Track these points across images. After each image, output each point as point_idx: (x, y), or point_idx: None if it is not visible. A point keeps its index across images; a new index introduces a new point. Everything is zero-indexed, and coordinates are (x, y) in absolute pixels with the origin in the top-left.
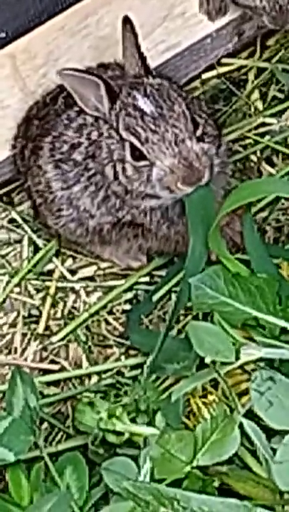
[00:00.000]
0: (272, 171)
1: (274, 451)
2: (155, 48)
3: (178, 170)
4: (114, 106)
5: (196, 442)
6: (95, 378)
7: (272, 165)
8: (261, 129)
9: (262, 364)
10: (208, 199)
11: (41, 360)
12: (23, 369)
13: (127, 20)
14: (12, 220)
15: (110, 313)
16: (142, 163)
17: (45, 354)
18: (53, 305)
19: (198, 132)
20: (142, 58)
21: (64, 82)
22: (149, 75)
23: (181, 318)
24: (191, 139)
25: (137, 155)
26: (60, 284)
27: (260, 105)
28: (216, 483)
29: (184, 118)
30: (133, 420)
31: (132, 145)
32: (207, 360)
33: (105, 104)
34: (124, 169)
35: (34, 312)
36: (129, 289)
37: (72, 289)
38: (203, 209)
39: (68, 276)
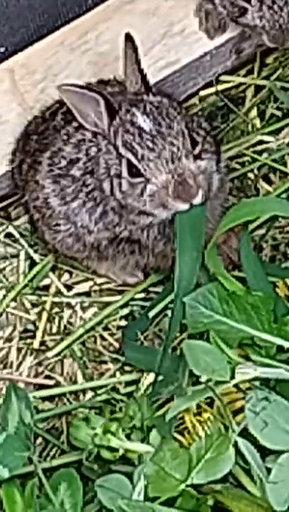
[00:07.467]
0: (270, 188)
1: (268, 470)
2: (154, 64)
3: (170, 185)
4: (113, 122)
5: (190, 460)
6: (90, 394)
7: (270, 183)
8: (259, 147)
9: (257, 383)
10: (199, 217)
11: (36, 375)
12: (18, 384)
13: (128, 38)
14: (9, 235)
15: (106, 329)
16: (138, 179)
17: (40, 369)
18: (49, 320)
19: (197, 150)
20: (143, 76)
21: (64, 97)
22: (149, 92)
23: (177, 334)
24: (188, 157)
25: (134, 172)
26: (56, 299)
27: (258, 123)
28: (210, 502)
29: (182, 136)
30: (128, 437)
31: (129, 161)
32: (202, 379)
33: (104, 121)
34: (120, 185)
35: (30, 327)
36: (125, 305)
37: (68, 305)
38: (193, 226)
39: (64, 291)
